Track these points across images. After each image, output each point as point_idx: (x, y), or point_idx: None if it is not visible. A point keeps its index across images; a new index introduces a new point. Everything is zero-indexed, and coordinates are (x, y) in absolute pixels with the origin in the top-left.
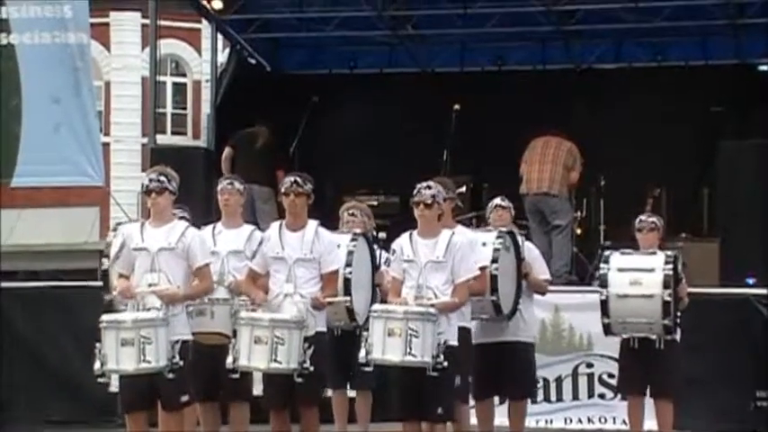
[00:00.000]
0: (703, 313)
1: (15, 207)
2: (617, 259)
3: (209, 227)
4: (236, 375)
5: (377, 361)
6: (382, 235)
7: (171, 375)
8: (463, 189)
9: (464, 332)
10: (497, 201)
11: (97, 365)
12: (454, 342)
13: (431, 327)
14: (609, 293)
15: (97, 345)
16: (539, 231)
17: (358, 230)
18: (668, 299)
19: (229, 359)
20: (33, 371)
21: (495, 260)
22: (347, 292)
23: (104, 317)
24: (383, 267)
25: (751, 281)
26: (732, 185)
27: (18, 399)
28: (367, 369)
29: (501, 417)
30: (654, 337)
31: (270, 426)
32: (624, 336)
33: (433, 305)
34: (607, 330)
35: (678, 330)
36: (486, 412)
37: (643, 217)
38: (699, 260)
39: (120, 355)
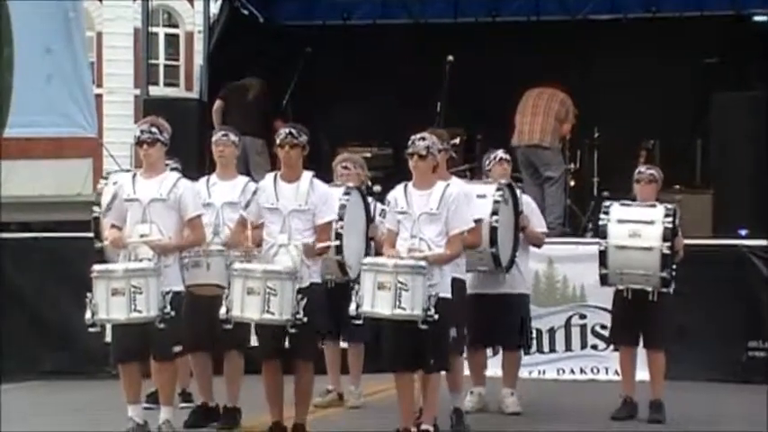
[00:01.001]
0: (696, 264)
1: (9, 159)
2: (617, 210)
3: (204, 179)
4: (229, 326)
5: (367, 314)
6: (377, 188)
7: (162, 326)
8: (457, 141)
9: (458, 283)
10: (500, 153)
11: (88, 315)
12: (447, 294)
13: (421, 280)
14: (608, 244)
15: (88, 294)
16: (531, 183)
17: (351, 184)
18: (667, 252)
19: (222, 310)
20: (26, 322)
21: (495, 212)
22: (338, 247)
23: (95, 266)
24: (377, 219)
25: (743, 232)
26: (726, 137)
27: (11, 350)
28: (357, 322)
29: (495, 368)
30: (649, 289)
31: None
32: (620, 287)
33: (425, 257)
34: (604, 281)
35: (673, 283)
36: (479, 363)
37: (642, 168)
38: (692, 212)
39: (111, 304)
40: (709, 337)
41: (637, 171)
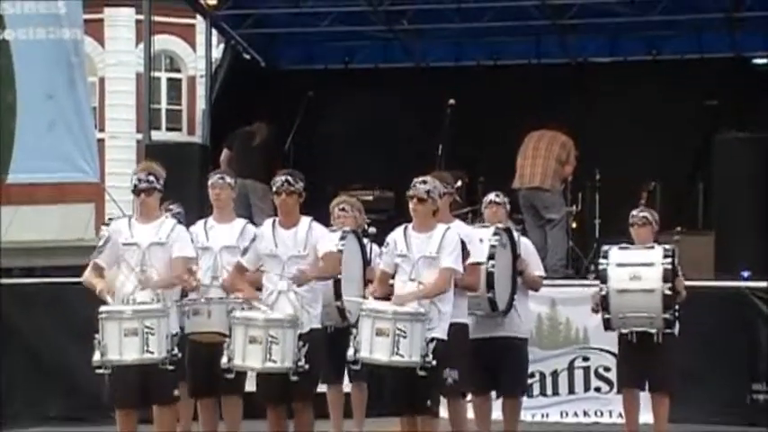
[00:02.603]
0: (699, 306)
1: (11, 204)
2: (616, 254)
3: (201, 222)
4: (232, 375)
5: (365, 360)
6: (372, 230)
7: (170, 367)
8: (459, 184)
9: (460, 328)
10: (491, 196)
11: (96, 356)
12: (443, 336)
13: (419, 327)
14: (609, 289)
15: (96, 336)
16: (533, 225)
17: (347, 228)
18: (668, 293)
19: (224, 359)
20: (29, 367)
21: (491, 257)
22: (337, 293)
23: (103, 307)
24: (374, 262)
25: (746, 274)
26: (727, 179)
27: (14, 395)
28: (355, 368)
29: (496, 411)
30: (653, 331)
31: (265, 421)
32: (624, 330)
33: (407, 297)
34: (607, 325)
35: (677, 324)
36: (484, 408)
37: (635, 212)
38: (694, 254)
39: (124, 345)
40: (711, 380)
41: (631, 215)
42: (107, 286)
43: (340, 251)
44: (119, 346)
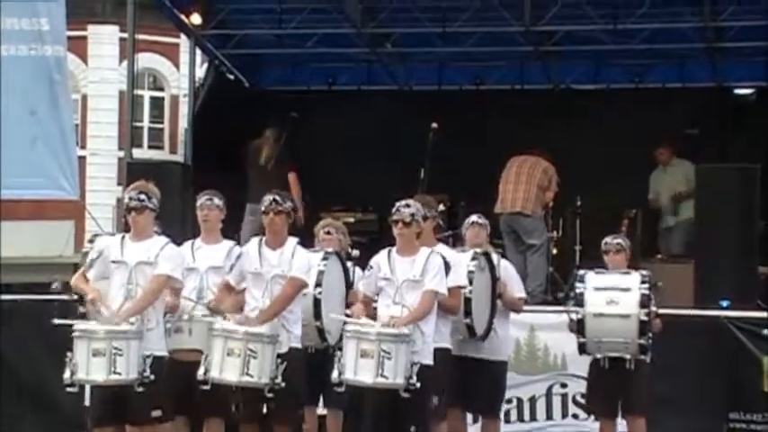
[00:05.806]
0: (678, 335)
1: None
2: (593, 278)
3: (189, 243)
4: (207, 387)
5: (349, 382)
6: (356, 253)
7: (140, 389)
8: (441, 208)
9: (443, 353)
10: (473, 218)
11: (67, 374)
12: (429, 362)
13: (404, 348)
14: (585, 313)
15: (68, 354)
16: (513, 250)
17: (330, 249)
18: (644, 318)
19: (201, 370)
20: (5, 384)
21: (469, 282)
22: (317, 312)
23: (77, 326)
24: (356, 285)
25: (725, 303)
26: (707, 208)
27: None
28: (339, 390)
29: None
30: (628, 356)
31: None
32: (598, 355)
33: (394, 324)
34: (582, 349)
35: (649, 351)
36: (456, 423)
37: (608, 239)
38: (673, 282)
39: (91, 365)
40: (689, 409)
41: (603, 242)
42: (99, 296)
43: (321, 272)
44: (87, 365)
